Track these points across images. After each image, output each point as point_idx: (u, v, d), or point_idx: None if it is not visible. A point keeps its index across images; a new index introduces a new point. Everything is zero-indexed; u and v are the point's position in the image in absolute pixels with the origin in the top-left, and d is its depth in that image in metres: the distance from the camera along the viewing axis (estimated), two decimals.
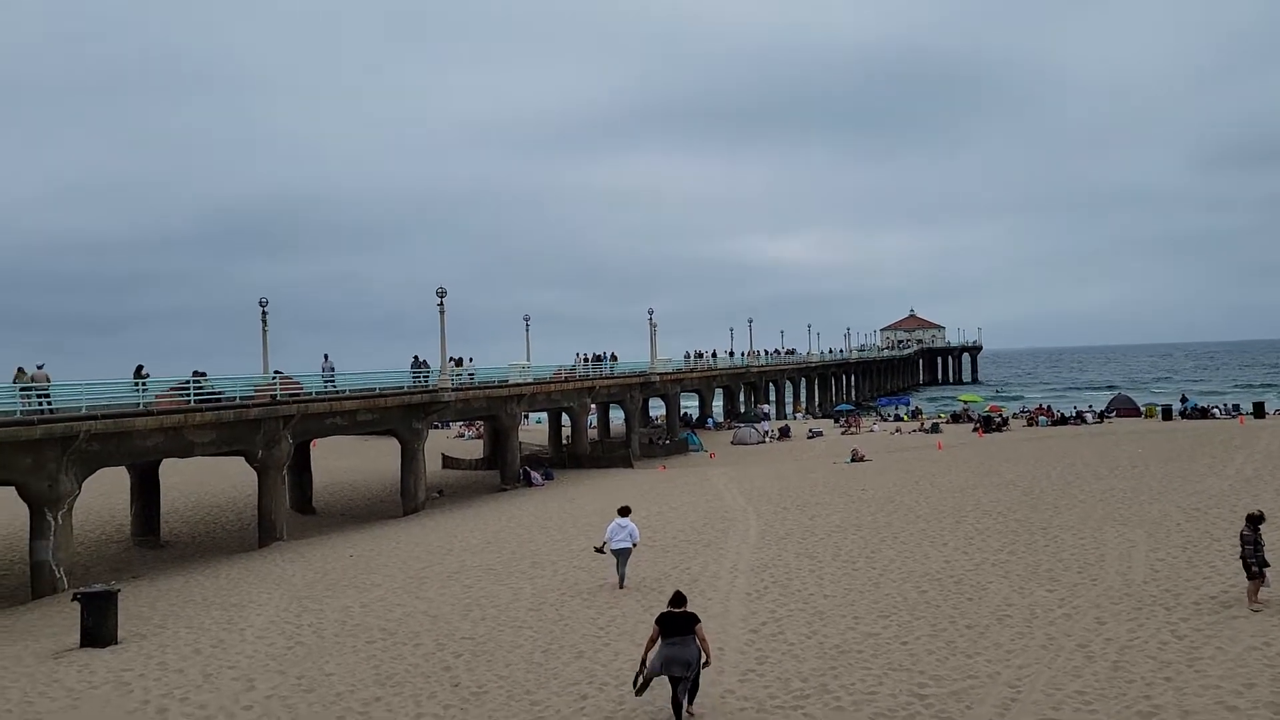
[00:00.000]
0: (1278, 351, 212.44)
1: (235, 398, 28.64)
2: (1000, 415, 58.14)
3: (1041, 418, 56.07)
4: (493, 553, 23.01)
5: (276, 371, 32.15)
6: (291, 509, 31.93)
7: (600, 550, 18.35)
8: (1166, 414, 55.55)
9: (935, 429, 54.79)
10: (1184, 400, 61.47)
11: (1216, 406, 59.39)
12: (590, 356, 52.54)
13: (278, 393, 29.81)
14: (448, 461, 50.11)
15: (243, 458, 29.46)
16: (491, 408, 41.44)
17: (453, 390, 36.80)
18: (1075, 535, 19.83)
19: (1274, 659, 11.38)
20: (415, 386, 36.02)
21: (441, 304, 37.40)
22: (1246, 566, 13.64)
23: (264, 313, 33.71)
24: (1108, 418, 56.76)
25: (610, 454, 49.34)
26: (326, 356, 34.98)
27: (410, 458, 35.54)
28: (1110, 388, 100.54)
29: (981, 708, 10.54)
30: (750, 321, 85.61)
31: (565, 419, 53.41)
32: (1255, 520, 13.88)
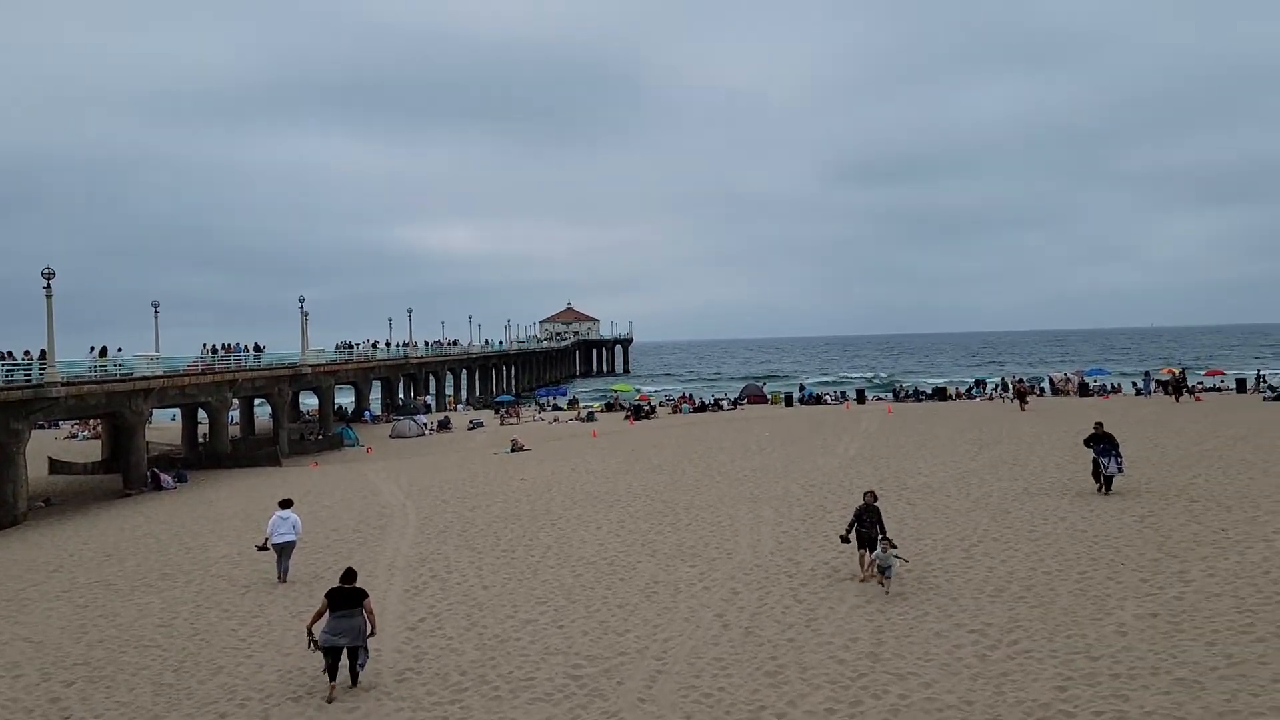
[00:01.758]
0: (894, 344, 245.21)
1: None
2: (648, 404, 61.72)
3: (685, 405, 60.33)
4: (113, 566, 20.51)
5: None
6: None
7: (263, 548, 17.83)
8: (789, 401, 62.11)
9: (590, 417, 56.97)
10: (802, 389, 69.08)
11: (828, 394, 67.45)
12: (221, 347, 48.36)
13: None
14: (55, 466, 43.96)
15: None
16: (113, 404, 36.91)
17: (63, 385, 32.34)
18: (714, 514, 21.51)
19: (873, 614, 13.06)
20: (13, 382, 31.23)
21: (48, 287, 32.77)
22: (870, 541, 14.73)
23: None
24: (740, 405, 62.30)
25: (255, 452, 45.91)
26: None
27: (7, 463, 30.77)
28: (745, 378, 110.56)
29: (632, 682, 11.06)
30: (410, 312, 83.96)
31: (203, 415, 48.97)
32: (869, 495, 15.38)
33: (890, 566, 14.03)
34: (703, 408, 59.90)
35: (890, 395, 65.03)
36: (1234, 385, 57.02)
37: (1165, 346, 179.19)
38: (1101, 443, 21.03)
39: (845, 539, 15.14)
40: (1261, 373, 62.87)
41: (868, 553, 14.72)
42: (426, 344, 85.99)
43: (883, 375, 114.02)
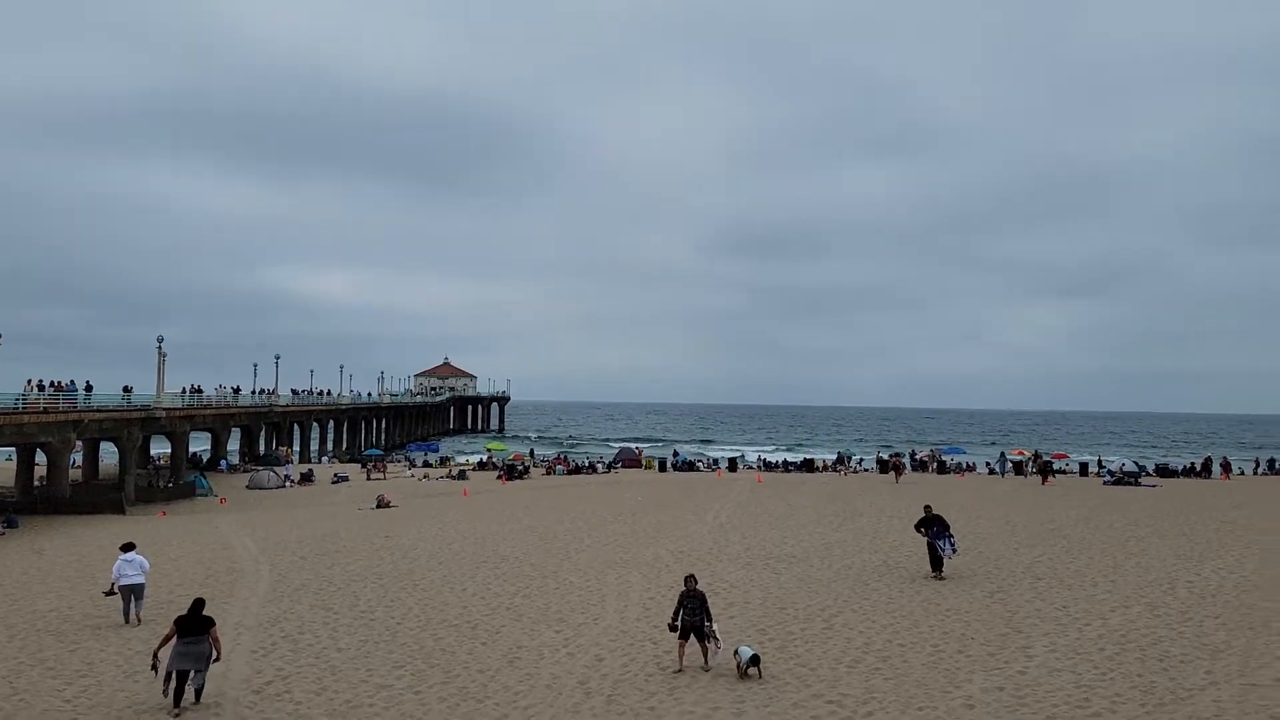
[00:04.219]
0: (764, 415, 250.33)
1: None
2: (522, 463, 61.10)
3: (559, 467, 59.96)
4: None
5: None
6: None
7: (110, 593, 17.61)
8: (662, 466, 62.53)
9: (462, 475, 55.93)
10: (675, 454, 69.74)
11: (700, 460, 68.30)
12: (50, 384, 44.73)
13: None
14: None
15: None
16: None
17: None
18: (583, 577, 21.31)
19: (734, 684, 13.10)
20: None
21: None
22: (695, 629, 13.69)
23: None
24: (615, 468, 62.34)
25: (97, 498, 43.11)
26: None
27: None
28: (623, 440, 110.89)
29: None
30: (277, 358, 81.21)
31: (41, 457, 45.65)
32: (691, 580, 14.29)
33: (757, 657, 13.31)
34: (577, 470, 59.65)
35: (759, 464, 66.27)
36: (1077, 468, 60.52)
37: (1014, 428, 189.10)
38: (934, 525, 20.71)
39: (674, 626, 14.00)
40: (1100, 458, 66.99)
41: (697, 643, 13.70)
42: (295, 392, 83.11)
43: (781, 443, 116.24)
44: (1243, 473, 61.91)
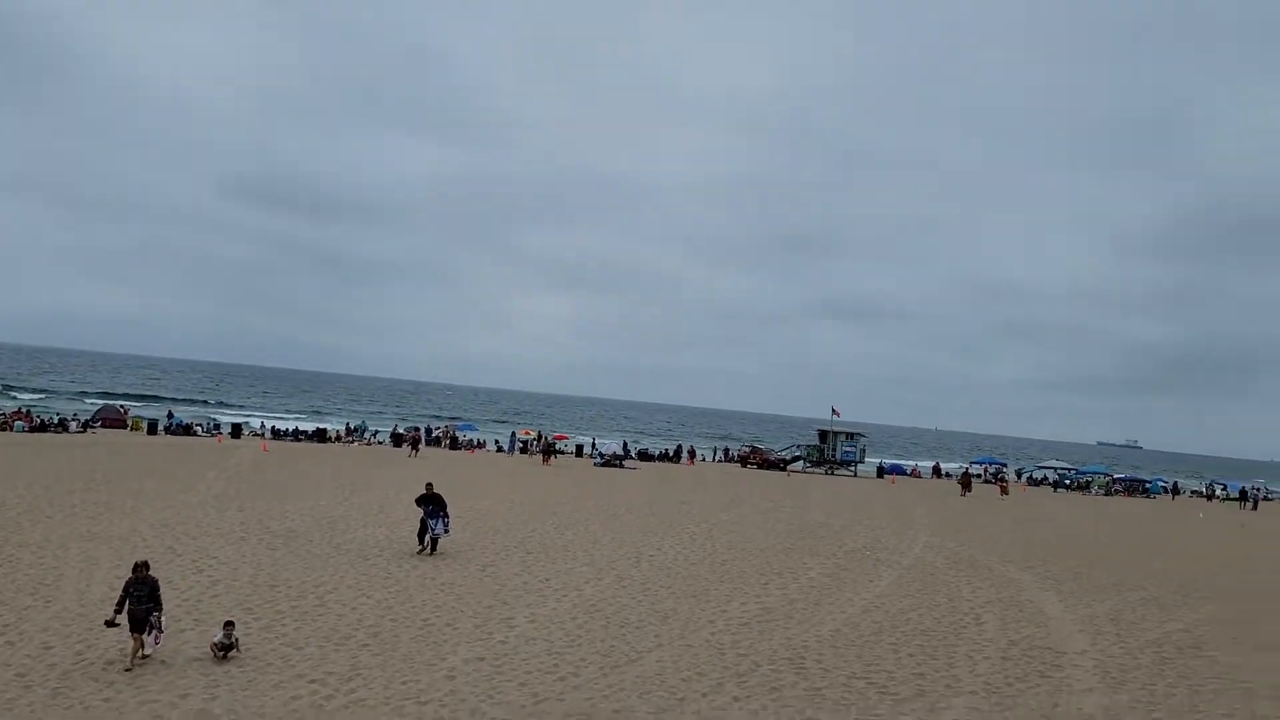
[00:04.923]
0: (279, 379, 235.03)
1: None
2: None
3: (19, 422, 51.32)
4: None
5: None
6: None
7: None
8: (152, 428, 56.43)
9: None
10: (170, 416, 63.39)
11: (201, 423, 62.99)
12: None
13: None
14: None
15: None
16: None
17: None
18: (35, 555, 18.50)
19: (209, 668, 12.29)
20: None
21: None
22: (131, 617, 12.35)
23: None
24: (92, 428, 55.03)
25: None
26: None
27: None
28: (104, 395, 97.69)
29: None
30: None
31: None
32: (141, 568, 12.86)
33: (232, 645, 12.71)
34: (43, 427, 51.55)
35: (264, 431, 62.79)
36: (573, 450, 66.10)
37: (524, 409, 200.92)
38: (430, 504, 21.06)
39: (112, 623, 12.40)
40: (595, 440, 73.88)
41: (142, 636, 12.28)
42: None
43: (294, 410, 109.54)
44: (705, 459, 72.34)
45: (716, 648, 14.81)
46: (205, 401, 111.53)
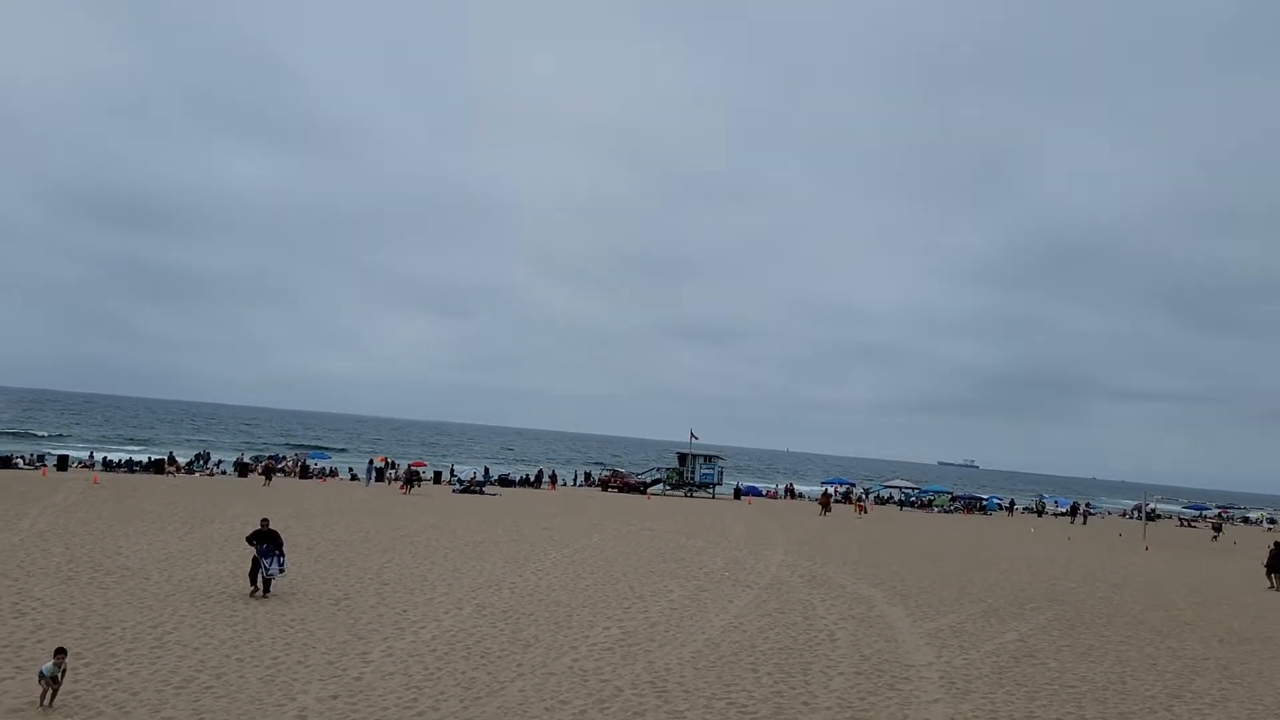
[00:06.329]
0: (110, 406, 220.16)
1: None
2: None
3: None
4: None
5: None
6: None
7: None
8: None
9: None
10: None
11: (20, 457, 58.40)
12: None
13: None
14: None
15: None
16: None
17: None
18: None
19: (40, 716, 11.37)
20: None
21: None
22: None
23: None
24: None
25: None
26: None
27: None
28: None
29: None
30: None
31: None
32: None
33: (58, 676, 11.73)
34: None
35: (93, 463, 58.77)
36: (433, 476, 64.69)
37: (381, 436, 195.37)
38: (265, 541, 19.39)
39: None
40: (454, 466, 72.57)
41: None
42: None
43: (130, 439, 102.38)
44: (566, 484, 72.11)
45: (579, 675, 14.73)
46: (29, 433, 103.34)
